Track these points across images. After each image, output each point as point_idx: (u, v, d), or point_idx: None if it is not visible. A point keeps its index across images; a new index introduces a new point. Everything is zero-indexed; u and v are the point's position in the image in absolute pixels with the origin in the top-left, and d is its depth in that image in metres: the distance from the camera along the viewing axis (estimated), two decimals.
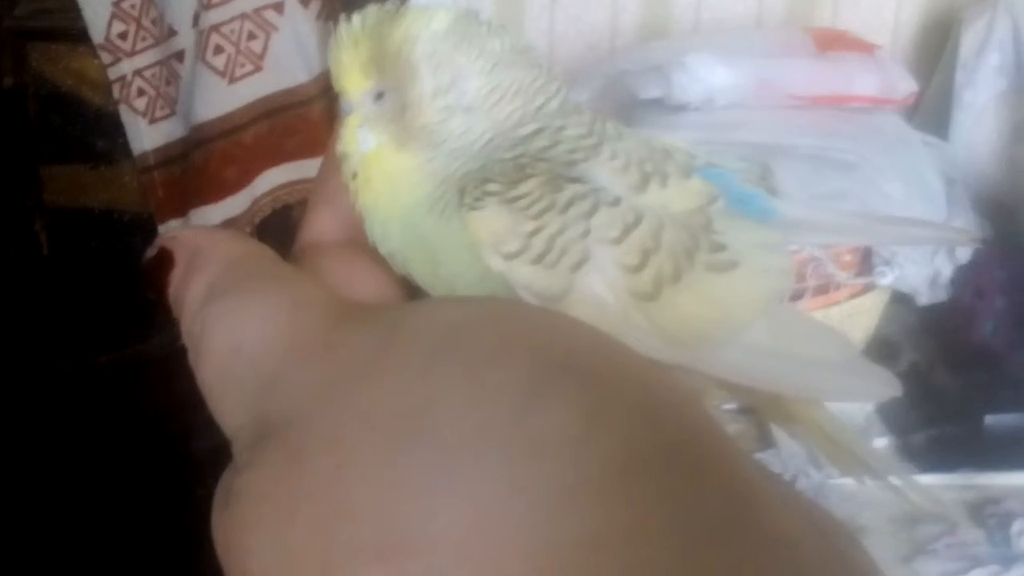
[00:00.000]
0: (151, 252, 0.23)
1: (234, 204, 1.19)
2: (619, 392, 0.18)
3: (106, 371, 1.23)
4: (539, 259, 0.22)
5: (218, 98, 1.17)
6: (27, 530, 1.20)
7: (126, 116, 1.23)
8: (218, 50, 1.16)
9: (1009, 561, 0.67)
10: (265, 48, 1.18)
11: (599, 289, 0.22)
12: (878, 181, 0.87)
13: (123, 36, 1.21)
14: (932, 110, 1.03)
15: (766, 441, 0.81)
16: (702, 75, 0.87)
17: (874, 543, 0.70)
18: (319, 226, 0.24)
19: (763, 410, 0.27)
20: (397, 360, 0.18)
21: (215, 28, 1.16)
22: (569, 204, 0.22)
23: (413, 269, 0.23)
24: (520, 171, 0.23)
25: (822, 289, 0.88)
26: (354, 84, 0.24)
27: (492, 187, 0.22)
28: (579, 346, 0.19)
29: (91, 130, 1.25)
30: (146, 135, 1.24)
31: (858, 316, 0.91)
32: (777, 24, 1.13)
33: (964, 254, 0.91)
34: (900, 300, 0.93)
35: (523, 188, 0.22)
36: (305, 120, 1.19)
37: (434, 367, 0.18)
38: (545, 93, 0.24)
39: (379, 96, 0.24)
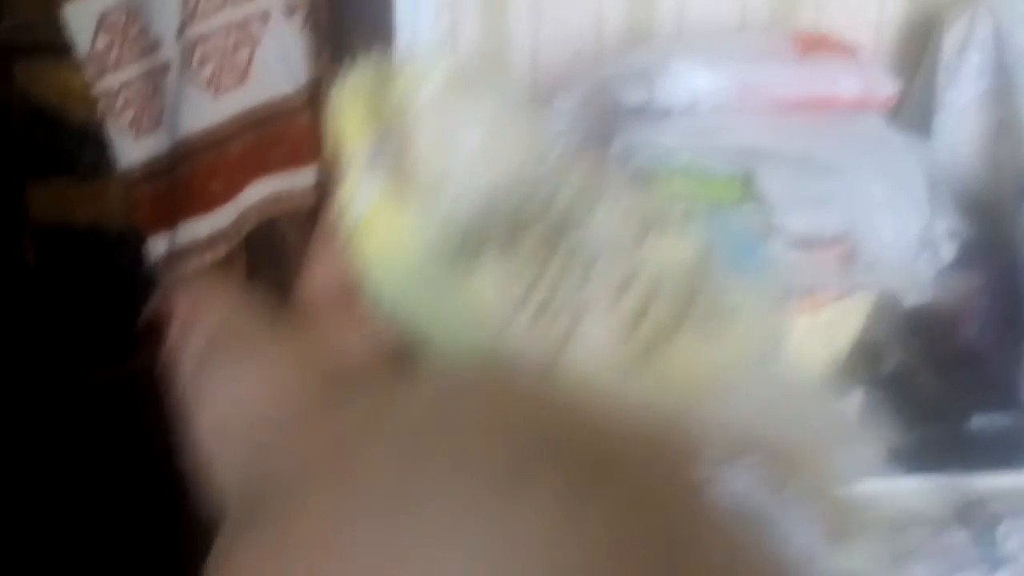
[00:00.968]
0: (149, 310, 0.23)
1: (221, 217, 1.19)
2: (603, 472, 0.18)
3: (95, 388, 1.23)
4: (536, 316, 0.22)
5: (204, 110, 1.17)
6: (18, 546, 1.20)
7: (112, 130, 1.23)
8: (203, 62, 1.16)
9: (996, 564, 0.68)
10: (250, 59, 1.18)
11: (594, 348, 0.22)
12: (862, 183, 0.87)
13: (108, 49, 1.21)
14: (915, 111, 1.03)
15: None
16: (685, 80, 0.87)
17: (861, 548, 0.71)
18: (316, 282, 0.24)
19: (759, 461, 0.27)
20: (386, 436, 0.19)
21: (200, 40, 1.15)
22: (566, 262, 0.22)
23: (410, 325, 0.23)
24: (518, 228, 0.22)
25: (808, 292, 0.88)
26: (353, 139, 0.24)
27: (490, 244, 0.22)
28: (565, 421, 0.19)
29: (77, 145, 1.25)
30: (132, 149, 1.23)
31: (843, 319, 0.91)
32: (760, 25, 1.13)
33: (948, 254, 0.91)
34: (885, 302, 0.93)
35: (521, 246, 0.22)
36: (291, 131, 1.19)
37: (422, 447, 0.18)
38: (544, 147, 0.24)
39: (378, 150, 0.23)
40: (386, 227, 0.23)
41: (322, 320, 0.23)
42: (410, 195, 0.23)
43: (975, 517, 0.72)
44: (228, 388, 0.21)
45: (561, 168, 0.24)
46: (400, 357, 0.23)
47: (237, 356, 0.21)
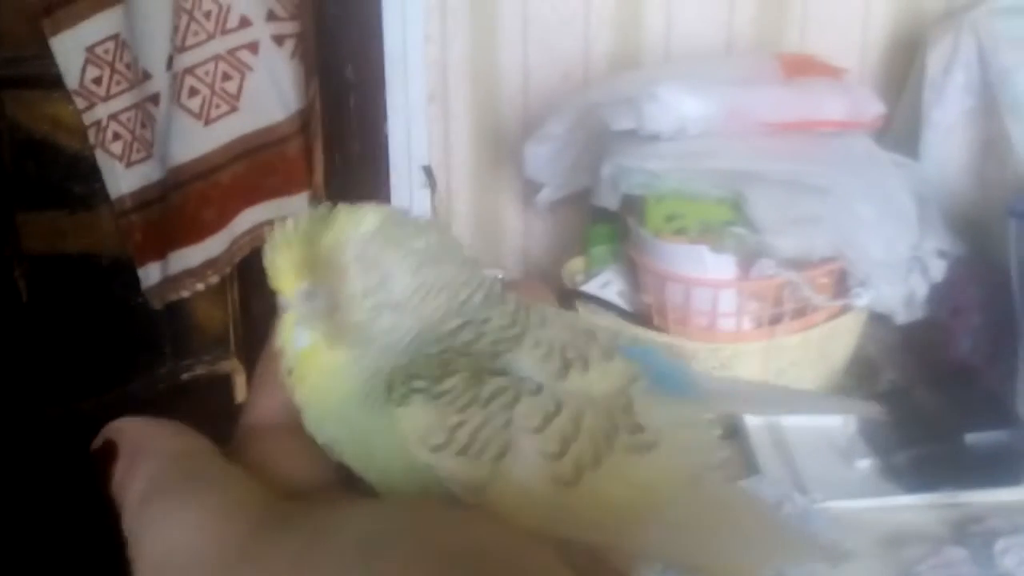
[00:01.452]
0: (97, 443, 0.24)
1: (213, 245, 1.20)
2: None
3: (89, 416, 1.22)
4: (463, 451, 0.23)
5: (194, 139, 1.17)
6: (11, 565, 1.19)
7: (102, 160, 1.23)
8: (193, 92, 1.17)
9: None
10: (240, 88, 1.18)
11: (522, 477, 0.23)
12: (850, 203, 0.88)
13: (97, 81, 1.21)
14: (902, 130, 1.04)
15: (751, 468, 0.81)
16: (673, 105, 0.88)
17: (860, 567, 0.71)
18: (260, 410, 0.26)
19: None
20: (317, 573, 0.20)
21: (189, 71, 1.16)
22: (491, 397, 0.23)
23: (347, 459, 0.24)
24: (445, 366, 0.24)
25: (800, 312, 0.89)
26: (288, 284, 0.25)
27: (418, 383, 0.23)
28: (490, 557, 0.20)
29: (68, 176, 1.25)
30: (123, 179, 1.24)
31: (836, 338, 0.92)
32: (747, 48, 1.14)
33: (938, 272, 0.92)
34: (878, 320, 0.93)
35: (447, 384, 0.23)
36: (283, 158, 1.20)
37: None
38: (470, 287, 0.25)
39: (312, 295, 0.25)
40: (319, 369, 0.24)
41: (266, 448, 0.25)
42: (341, 338, 0.24)
43: (972, 534, 0.73)
44: (165, 536, 0.22)
45: (487, 306, 0.25)
46: (341, 483, 0.25)
47: (175, 501, 0.22)
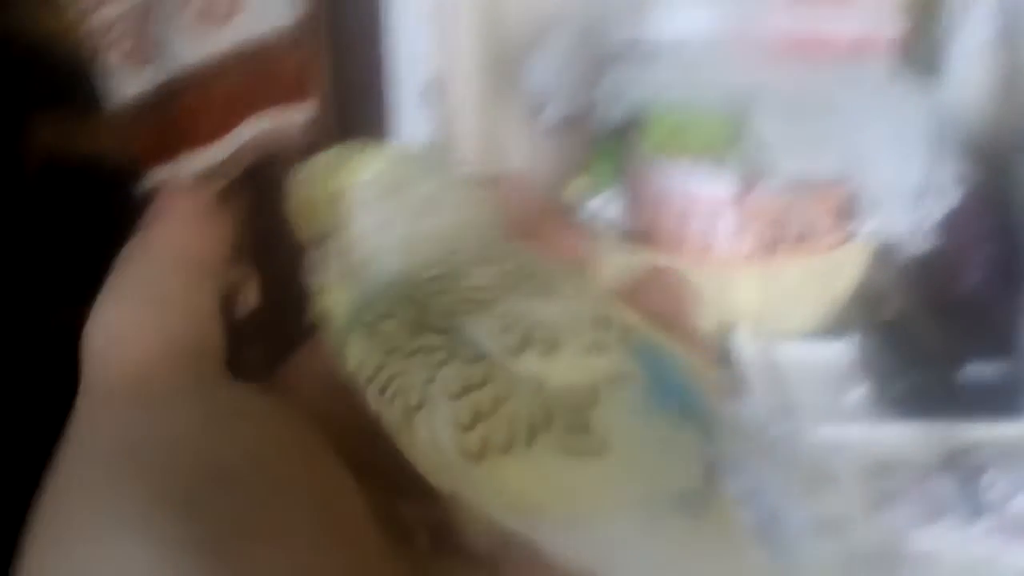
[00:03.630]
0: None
1: (217, 151, 1.18)
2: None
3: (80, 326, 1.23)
4: (382, 391, 0.23)
5: (197, 43, 1.15)
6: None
7: (106, 63, 1.21)
8: None
9: (977, 511, 0.66)
10: None
11: (432, 436, 0.23)
12: (861, 124, 0.85)
13: None
14: (922, 52, 1.00)
15: (737, 391, 0.79)
16: (676, 16, 0.84)
17: (843, 492, 0.70)
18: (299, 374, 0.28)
19: None
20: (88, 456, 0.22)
21: None
22: (416, 351, 0.23)
23: None
24: (391, 308, 0.24)
25: (802, 238, 0.86)
26: (304, 228, 0.27)
27: (366, 316, 0.24)
28: (264, 477, 0.21)
29: (71, 79, 1.24)
30: (126, 82, 1.22)
31: (840, 266, 0.89)
32: None
33: (951, 201, 0.88)
34: (884, 249, 0.91)
35: (385, 325, 0.24)
36: (286, 65, 1.18)
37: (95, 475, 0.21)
38: (464, 239, 0.26)
39: (324, 239, 0.26)
40: (327, 306, 0.26)
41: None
42: (346, 279, 0.26)
43: (960, 466, 0.71)
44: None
45: (478, 262, 0.25)
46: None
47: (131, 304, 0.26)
